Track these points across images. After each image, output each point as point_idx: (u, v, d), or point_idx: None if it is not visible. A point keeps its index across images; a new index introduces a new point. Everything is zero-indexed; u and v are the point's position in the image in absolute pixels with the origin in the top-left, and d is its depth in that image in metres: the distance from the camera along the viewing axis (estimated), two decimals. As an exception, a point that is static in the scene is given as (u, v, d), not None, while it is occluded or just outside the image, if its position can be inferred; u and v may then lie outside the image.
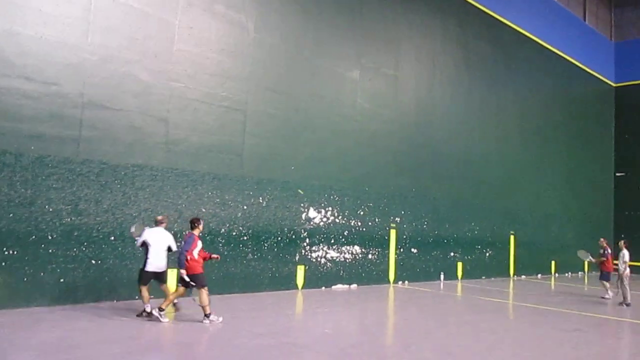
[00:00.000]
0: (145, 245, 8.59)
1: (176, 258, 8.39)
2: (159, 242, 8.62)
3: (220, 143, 11.43)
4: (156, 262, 8.55)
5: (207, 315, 8.23)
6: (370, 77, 14.79)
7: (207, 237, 10.95)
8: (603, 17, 27.36)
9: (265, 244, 12.02)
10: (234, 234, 11.48)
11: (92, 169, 9.56)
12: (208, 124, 11.23)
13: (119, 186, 9.87)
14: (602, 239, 15.02)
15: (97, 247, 9.53)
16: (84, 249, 9.36)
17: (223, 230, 11.30)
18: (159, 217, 8.93)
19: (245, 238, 11.65)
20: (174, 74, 10.73)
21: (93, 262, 9.47)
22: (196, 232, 8.49)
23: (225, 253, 11.24)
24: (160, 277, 8.75)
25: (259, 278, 11.89)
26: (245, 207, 11.73)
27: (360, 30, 14.56)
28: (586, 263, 23.70)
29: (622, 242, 13.68)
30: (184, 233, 10.58)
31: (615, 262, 13.91)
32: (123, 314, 8.57)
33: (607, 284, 14.27)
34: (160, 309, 8.18)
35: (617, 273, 13.41)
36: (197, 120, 11.06)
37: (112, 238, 9.73)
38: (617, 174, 26.81)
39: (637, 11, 27.23)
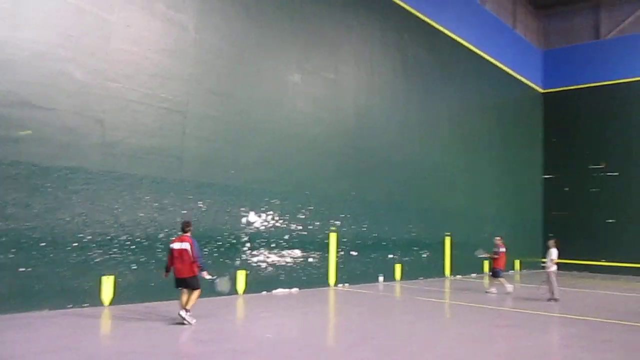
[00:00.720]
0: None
1: (200, 262, 8.87)
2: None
3: (160, 145, 11.16)
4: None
5: (187, 310, 8.68)
6: (310, 81, 14.88)
7: (145, 243, 10.68)
8: (531, 26, 28.79)
9: (205, 249, 11.81)
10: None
11: (21, 170, 9.09)
12: (147, 125, 10.93)
13: (50, 189, 9.44)
14: (497, 238, 16.06)
15: (26, 254, 9.06)
16: (11, 255, 8.88)
17: (162, 235, 11.02)
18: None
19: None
20: (111, 74, 10.38)
21: (22, 269, 9.00)
22: (189, 234, 9.02)
23: (164, 259, 10.94)
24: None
25: (199, 283, 11.63)
26: (184, 212, 11.49)
27: (301, 34, 14.63)
28: (517, 263, 24.83)
29: (552, 241, 14.38)
30: (119, 238, 10.27)
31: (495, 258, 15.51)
32: (56, 324, 8.19)
33: (501, 280, 15.37)
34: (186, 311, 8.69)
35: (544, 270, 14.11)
36: (136, 122, 10.74)
37: (43, 244, 9.28)
38: (546, 177, 28.25)
39: (564, 21, 28.83)
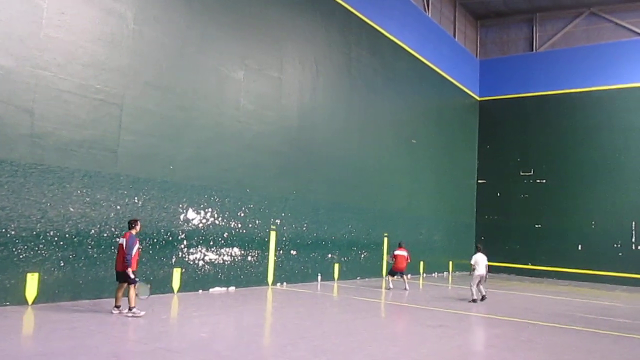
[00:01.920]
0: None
1: (126, 259, 9.16)
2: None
3: (93, 138, 10.75)
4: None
5: (130, 309, 9.06)
6: (254, 78, 14.77)
7: (75, 239, 10.27)
8: (470, 36, 29.80)
9: (140, 246, 11.46)
10: (106, 235, 10.85)
11: (-61, 161, 8.52)
12: (80, 117, 10.50)
13: (-29, 182, 8.89)
14: (400, 242, 17.16)
15: (-58, 250, 8.50)
16: None
17: (93, 231, 10.63)
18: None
19: (118, 240, 10.99)
20: (42, 62, 9.91)
21: (-63, 266, 8.44)
22: (133, 232, 9.38)
23: (95, 256, 10.60)
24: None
25: (132, 278, 11.30)
26: (118, 207, 11.13)
27: (245, 30, 14.49)
28: (450, 264, 25.62)
29: (477, 246, 15.14)
30: (47, 233, 9.83)
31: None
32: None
33: (393, 278, 16.79)
34: (130, 309, 9.09)
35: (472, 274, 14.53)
36: (68, 113, 10.30)
37: (-38, 239, 8.74)
38: (479, 181, 29.31)
39: (500, 32, 30.01)
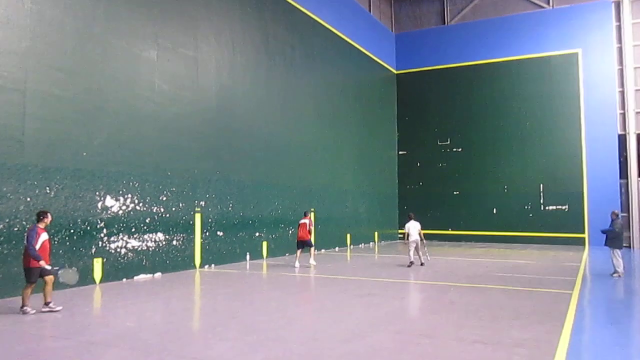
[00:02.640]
0: None
1: (30, 253, 8.61)
2: None
3: (-6, 127, 10.00)
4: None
5: (47, 303, 8.72)
6: (168, 57, 14.26)
7: (-18, 235, 9.59)
8: (385, 11, 30.27)
9: (55, 238, 10.92)
10: (16, 229, 10.21)
11: None
12: (-24, 105, 9.73)
13: None
14: (305, 211, 16.87)
15: None
16: None
17: (2, 226, 9.97)
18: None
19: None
20: None
21: None
22: (41, 225, 8.85)
23: (6, 252, 9.98)
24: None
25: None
26: (28, 199, 10.49)
27: (156, 8, 13.91)
28: (376, 234, 26.36)
29: (409, 214, 16.22)
30: (-50, 232, 9.12)
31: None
32: None
33: (298, 253, 16.01)
34: (46, 303, 8.72)
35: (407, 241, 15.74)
36: (-38, 101, 9.50)
37: None
38: (400, 152, 30.17)
39: (413, 6, 30.69)
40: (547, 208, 26.37)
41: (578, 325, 7.87)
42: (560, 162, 26.20)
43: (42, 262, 8.59)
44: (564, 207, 26.02)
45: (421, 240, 15.64)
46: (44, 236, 8.81)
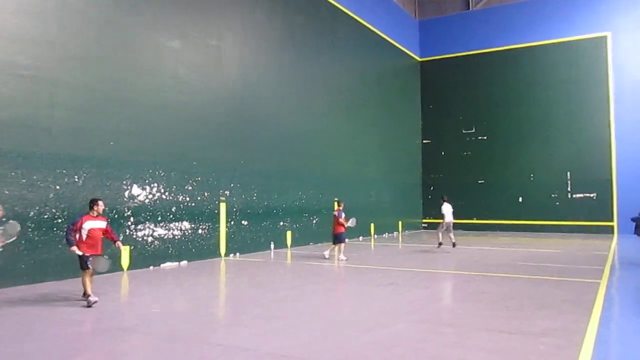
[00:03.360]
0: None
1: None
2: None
3: (24, 117, 10.21)
4: None
5: (84, 295, 8.47)
6: (192, 47, 14.33)
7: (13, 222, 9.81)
8: (409, -2, 29.89)
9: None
10: (46, 217, 10.45)
11: None
12: (7, 95, 9.93)
13: None
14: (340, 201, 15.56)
15: None
16: None
17: (32, 213, 10.21)
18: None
19: (59, 221, 10.67)
20: (-41, 38, 9.25)
21: None
22: (93, 213, 8.66)
23: (37, 239, 10.22)
24: None
25: (77, 263, 10.91)
26: (58, 187, 10.71)
27: (180, -2, 13.97)
28: (400, 224, 26.25)
29: (443, 197, 16.96)
30: (-17, 220, 9.36)
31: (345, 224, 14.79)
32: None
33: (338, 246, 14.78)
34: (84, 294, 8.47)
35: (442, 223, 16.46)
36: (-7, 92, 9.71)
37: None
38: (424, 141, 29.90)
39: (437, -7, 30.24)
40: (574, 196, 25.89)
41: (606, 314, 7.73)
42: (588, 148, 25.65)
43: (73, 248, 8.37)
44: (592, 195, 25.50)
45: (451, 222, 16.40)
46: (92, 224, 8.54)
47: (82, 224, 8.50)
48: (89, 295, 8.31)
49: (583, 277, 11.31)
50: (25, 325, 6.98)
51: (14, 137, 10.01)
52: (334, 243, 14.82)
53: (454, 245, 16.22)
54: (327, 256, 14.94)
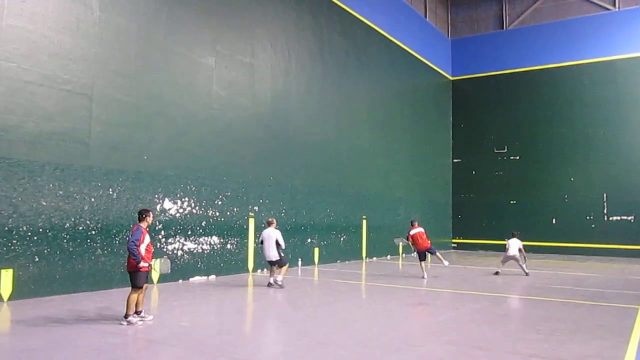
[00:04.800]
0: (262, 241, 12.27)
1: (131, 255, 7.92)
2: (269, 237, 12.16)
3: (63, 130, 10.52)
4: (267, 253, 12.10)
5: (138, 312, 7.99)
6: (226, 64, 14.59)
7: (49, 233, 10.10)
8: (441, 16, 29.86)
9: (117, 238, 11.36)
10: (81, 228, 10.68)
11: None
12: (47, 109, 10.26)
13: (-63, 179, 8.64)
14: (413, 221, 15.87)
15: None
16: None
17: (68, 225, 10.45)
18: (269, 219, 12.70)
19: (93, 232, 10.90)
20: (5, 53, 9.63)
21: None
22: (144, 224, 8.14)
23: (71, 249, 10.45)
24: (275, 264, 12.24)
25: (110, 274, 11.22)
26: (92, 200, 10.96)
27: (215, 16, 14.27)
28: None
29: (513, 232, 16.98)
30: (19, 228, 9.64)
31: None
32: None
33: (437, 255, 15.43)
34: (137, 312, 8.00)
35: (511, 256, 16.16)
36: (34, 105, 10.05)
37: None
38: (455, 160, 29.60)
39: (470, 11, 30.13)
40: (611, 218, 25.16)
41: (645, 342, 7.43)
42: (625, 170, 24.96)
43: (144, 267, 7.93)
44: (629, 218, 24.75)
45: (520, 253, 16.16)
46: (148, 237, 8.10)
47: (144, 238, 7.99)
48: (134, 314, 7.94)
49: (620, 302, 10.94)
50: (57, 336, 7.10)
51: (52, 150, 10.31)
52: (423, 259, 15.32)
53: (526, 274, 15.97)
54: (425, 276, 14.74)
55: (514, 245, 16.24)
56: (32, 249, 9.83)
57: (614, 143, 25.35)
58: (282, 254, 12.38)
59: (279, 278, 12.20)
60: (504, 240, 26.84)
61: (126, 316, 7.87)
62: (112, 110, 11.52)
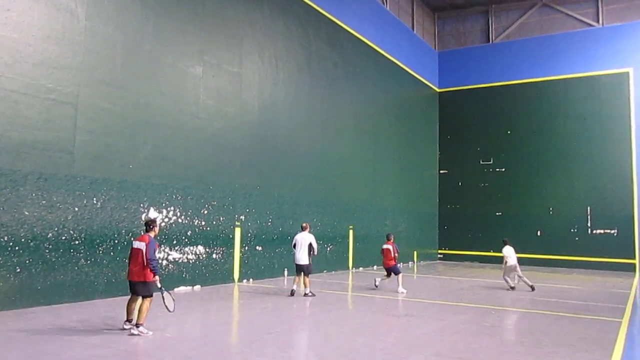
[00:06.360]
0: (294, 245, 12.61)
1: (152, 266, 7.93)
2: (303, 240, 12.55)
3: (47, 139, 10.41)
4: (298, 256, 12.49)
5: (138, 325, 7.89)
6: (213, 73, 14.58)
7: (32, 243, 9.95)
8: (428, 28, 30.16)
9: (100, 248, 11.23)
10: (64, 238, 10.55)
11: None
12: (31, 118, 10.15)
13: None
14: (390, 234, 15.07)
15: None
16: None
17: (50, 235, 10.32)
18: (303, 225, 13.12)
19: (76, 243, 10.77)
20: (-11, 61, 9.52)
21: None
22: (152, 234, 8.16)
23: (54, 260, 10.30)
24: (302, 269, 12.53)
25: (93, 285, 11.08)
26: (76, 209, 10.83)
27: (202, 26, 14.28)
28: (415, 254, 25.99)
29: (504, 240, 16.00)
30: (0, 240, 9.48)
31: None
32: None
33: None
34: (137, 325, 7.89)
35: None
36: (18, 114, 9.93)
37: None
38: (441, 171, 29.78)
39: (457, 24, 30.48)
40: (594, 231, 25.43)
41: (628, 355, 7.50)
42: (609, 184, 25.28)
43: (157, 278, 7.95)
44: (612, 231, 25.03)
45: (506, 263, 15.26)
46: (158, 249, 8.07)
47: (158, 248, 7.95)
48: (126, 321, 8.06)
49: (603, 315, 11.03)
50: (39, 349, 6.98)
51: (36, 159, 10.19)
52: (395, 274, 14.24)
53: (532, 289, 14.82)
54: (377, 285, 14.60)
55: (512, 253, 15.29)
56: (13, 259, 9.68)
57: (598, 157, 25.68)
58: (310, 262, 12.67)
59: (307, 290, 12.53)
60: (489, 251, 27.23)
61: (137, 325, 7.86)
62: (98, 120, 11.43)
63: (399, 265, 14.60)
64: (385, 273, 14.58)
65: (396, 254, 14.29)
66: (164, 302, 8.23)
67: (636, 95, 25.06)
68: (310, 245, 12.52)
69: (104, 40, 11.61)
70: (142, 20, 12.53)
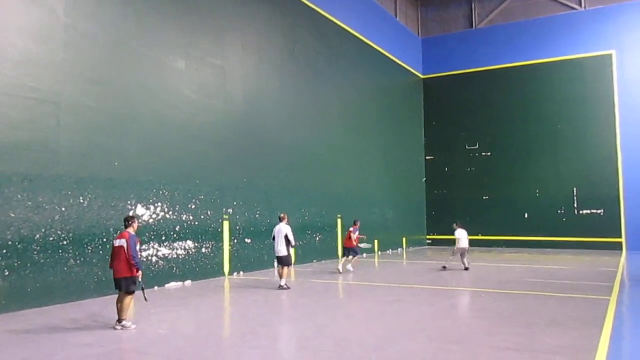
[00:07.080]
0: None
1: (134, 262, 8.12)
2: (280, 232, 12.34)
3: (30, 139, 10.27)
4: (277, 248, 12.30)
5: (120, 320, 8.09)
6: (196, 67, 14.47)
7: (19, 245, 9.85)
8: (411, 15, 30.14)
9: (89, 247, 11.15)
10: (52, 239, 10.45)
11: None
12: (12, 118, 10.00)
13: None
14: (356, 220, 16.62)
15: None
16: None
17: (38, 236, 10.21)
18: (281, 215, 12.76)
19: (64, 243, 10.68)
20: (-33, 61, 9.36)
21: None
22: (131, 230, 8.33)
23: (42, 261, 10.22)
24: (281, 260, 12.34)
25: (83, 285, 11.01)
26: (63, 209, 10.73)
27: (184, 19, 14.13)
28: (404, 240, 26.16)
29: (456, 222, 16.76)
30: (-12, 242, 9.37)
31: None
32: None
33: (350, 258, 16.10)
34: (119, 320, 8.08)
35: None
36: (-1, 114, 9.79)
37: None
38: (427, 158, 29.92)
39: (440, 11, 30.49)
40: (581, 212, 25.75)
41: (617, 332, 7.65)
42: (594, 164, 25.58)
43: (140, 273, 8.15)
44: (599, 211, 25.36)
45: (467, 246, 16.27)
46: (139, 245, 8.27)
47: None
48: (123, 320, 8.11)
49: (592, 294, 11.21)
50: (31, 351, 6.95)
51: (20, 160, 10.06)
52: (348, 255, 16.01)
53: (466, 269, 15.81)
54: (341, 270, 15.62)
55: (465, 236, 16.07)
56: (1, 263, 9.56)
57: (583, 139, 25.94)
58: (289, 252, 12.45)
59: (282, 282, 12.25)
60: (477, 235, 27.47)
61: (120, 320, 8.04)
62: (81, 117, 11.30)
63: (357, 248, 16.14)
64: (344, 254, 16.07)
65: (357, 237, 15.84)
66: (143, 294, 8.44)
67: (619, 77, 25.32)
68: (286, 236, 12.37)
69: (85, 37, 11.45)
70: (123, 15, 12.38)
